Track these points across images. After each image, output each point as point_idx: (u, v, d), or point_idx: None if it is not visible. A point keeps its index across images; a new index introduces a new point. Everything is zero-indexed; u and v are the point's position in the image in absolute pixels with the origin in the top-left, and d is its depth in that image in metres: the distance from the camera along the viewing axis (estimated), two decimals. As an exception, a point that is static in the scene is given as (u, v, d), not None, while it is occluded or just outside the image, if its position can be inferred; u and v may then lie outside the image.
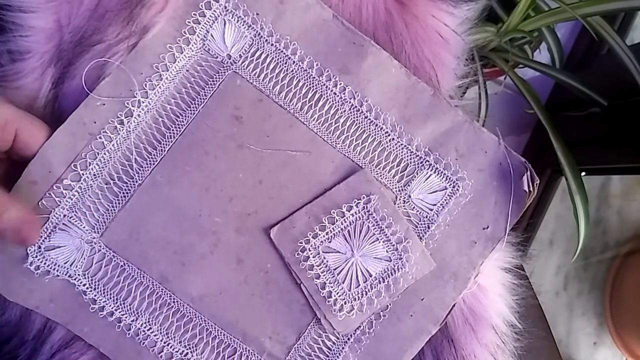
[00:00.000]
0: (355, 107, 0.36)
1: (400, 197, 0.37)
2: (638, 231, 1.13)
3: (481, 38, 0.68)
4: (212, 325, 0.35)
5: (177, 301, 0.35)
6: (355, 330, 0.36)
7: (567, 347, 1.11)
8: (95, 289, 0.34)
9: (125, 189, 0.35)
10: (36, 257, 0.33)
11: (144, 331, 0.35)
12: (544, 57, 0.80)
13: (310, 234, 0.35)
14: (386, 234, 0.36)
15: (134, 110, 0.34)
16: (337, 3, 0.37)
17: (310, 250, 0.35)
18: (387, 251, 0.36)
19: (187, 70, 0.35)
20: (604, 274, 1.13)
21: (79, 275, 0.34)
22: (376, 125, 0.37)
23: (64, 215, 0.34)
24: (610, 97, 0.73)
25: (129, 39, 0.34)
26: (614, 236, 1.13)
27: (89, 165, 0.34)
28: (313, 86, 0.36)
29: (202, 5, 0.35)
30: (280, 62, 0.36)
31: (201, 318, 0.35)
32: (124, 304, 0.35)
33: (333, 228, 0.36)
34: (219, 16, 0.36)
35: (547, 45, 0.74)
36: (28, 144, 0.32)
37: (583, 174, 0.69)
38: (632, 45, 0.69)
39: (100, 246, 0.34)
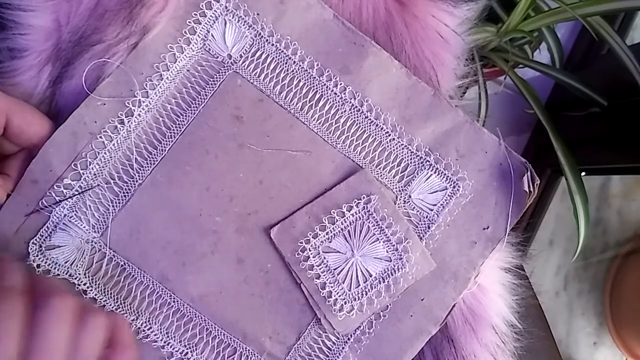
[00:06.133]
0: (356, 107, 0.36)
1: (401, 197, 0.37)
2: (638, 231, 1.13)
3: (481, 38, 0.68)
4: (212, 325, 0.35)
5: (177, 301, 0.35)
6: (355, 330, 0.36)
7: (567, 347, 1.11)
8: (95, 288, 0.34)
9: (125, 189, 0.35)
10: (37, 256, 0.33)
11: (144, 330, 0.35)
12: (544, 57, 0.80)
13: (310, 234, 0.35)
14: (386, 234, 0.36)
15: (134, 110, 0.34)
16: (337, 3, 0.37)
17: (310, 250, 0.35)
18: (387, 251, 0.36)
19: (188, 70, 0.35)
20: (604, 274, 1.13)
21: (79, 274, 0.34)
22: (377, 125, 0.37)
23: (64, 215, 0.34)
24: (610, 97, 0.73)
25: (128, 39, 0.34)
26: (614, 236, 1.13)
27: (90, 165, 0.34)
28: (313, 86, 0.36)
29: (202, 5, 0.35)
30: (281, 62, 0.36)
31: (201, 318, 0.35)
32: (124, 303, 0.35)
33: (333, 228, 0.36)
34: (219, 16, 0.36)
35: (547, 45, 0.74)
36: (23, 130, 0.32)
37: (583, 174, 0.69)
38: (632, 45, 0.69)
39: (100, 246, 0.34)
